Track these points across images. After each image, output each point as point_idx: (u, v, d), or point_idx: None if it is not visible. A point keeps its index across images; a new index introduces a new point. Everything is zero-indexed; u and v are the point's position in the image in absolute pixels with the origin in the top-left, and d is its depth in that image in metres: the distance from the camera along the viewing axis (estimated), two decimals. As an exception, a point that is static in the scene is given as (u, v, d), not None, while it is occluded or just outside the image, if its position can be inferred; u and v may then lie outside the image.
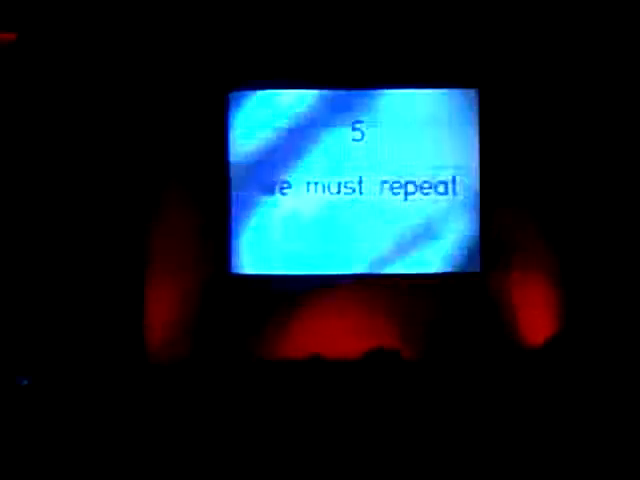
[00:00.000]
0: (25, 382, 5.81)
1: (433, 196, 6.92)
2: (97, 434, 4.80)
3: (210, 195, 6.89)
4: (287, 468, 4.45)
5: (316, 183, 6.95)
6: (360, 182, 6.93)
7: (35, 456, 4.59)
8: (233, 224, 6.91)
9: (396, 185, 6.92)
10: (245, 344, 6.69)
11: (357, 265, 6.94)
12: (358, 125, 6.94)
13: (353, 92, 6.94)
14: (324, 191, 6.93)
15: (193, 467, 4.51)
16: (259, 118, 6.95)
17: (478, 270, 6.91)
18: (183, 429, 4.85)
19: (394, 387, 5.08)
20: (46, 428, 4.86)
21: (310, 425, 4.75)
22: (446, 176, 6.91)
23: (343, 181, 6.93)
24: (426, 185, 6.91)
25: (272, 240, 6.93)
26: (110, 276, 6.72)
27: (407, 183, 6.92)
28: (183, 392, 5.32)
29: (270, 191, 6.93)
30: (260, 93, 6.94)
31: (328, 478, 4.40)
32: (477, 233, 6.90)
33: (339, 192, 6.94)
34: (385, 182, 6.93)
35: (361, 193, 6.94)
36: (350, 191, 6.93)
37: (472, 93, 6.90)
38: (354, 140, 6.96)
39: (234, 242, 6.91)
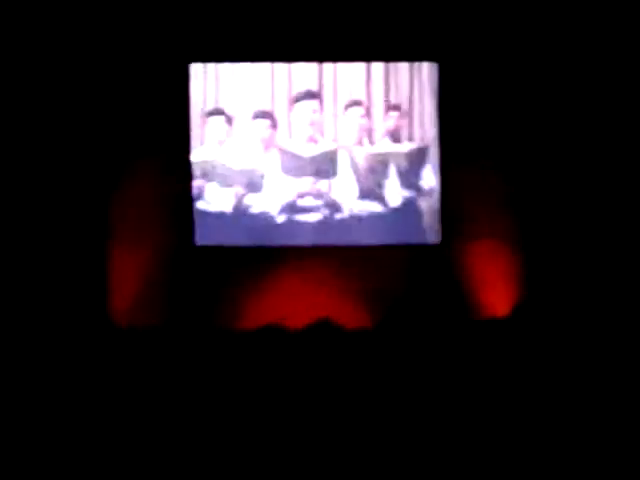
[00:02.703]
0: None
1: (394, 167, 7.01)
2: (61, 401, 4.83)
3: (173, 166, 6.90)
4: (241, 434, 4.50)
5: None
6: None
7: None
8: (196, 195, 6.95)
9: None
10: (207, 313, 6.74)
11: (318, 236, 7.00)
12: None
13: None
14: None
15: (153, 433, 4.56)
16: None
17: (438, 241, 7.02)
18: (146, 396, 4.88)
19: (338, 358, 5.13)
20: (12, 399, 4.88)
21: (261, 394, 4.79)
22: (407, 148, 7.00)
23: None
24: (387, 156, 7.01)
25: (235, 212, 6.98)
26: (72, 245, 6.70)
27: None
28: (147, 360, 5.34)
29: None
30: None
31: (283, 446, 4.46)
32: (437, 204, 7.01)
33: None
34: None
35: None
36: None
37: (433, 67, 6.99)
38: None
39: (197, 213, 6.96)
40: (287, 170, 6.98)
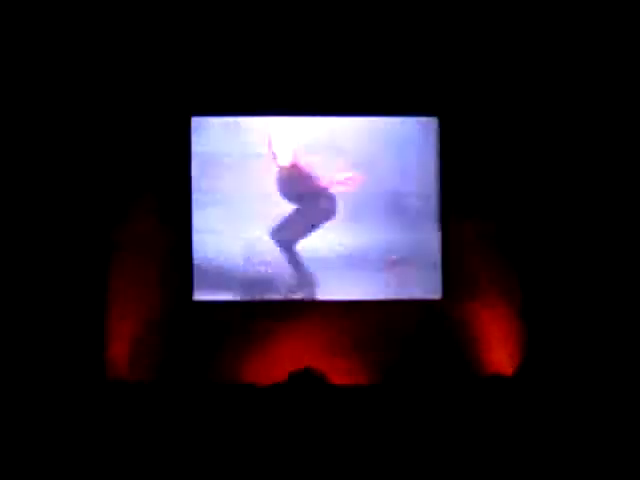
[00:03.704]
0: None
1: (395, 223, 6.96)
2: (56, 453, 4.78)
3: (174, 220, 6.86)
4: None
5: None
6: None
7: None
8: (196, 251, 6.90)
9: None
10: (205, 369, 6.66)
11: (317, 291, 6.94)
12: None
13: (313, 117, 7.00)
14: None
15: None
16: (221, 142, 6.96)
17: (439, 297, 6.93)
18: (140, 450, 4.84)
19: (318, 410, 5.07)
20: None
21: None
22: (407, 203, 6.97)
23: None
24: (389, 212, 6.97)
25: (233, 267, 6.92)
26: (71, 298, 6.63)
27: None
28: (141, 414, 5.30)
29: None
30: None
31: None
32: (438, 260, 6.93)
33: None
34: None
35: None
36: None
37: (432, 121, 6.98)
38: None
39: (196, 269, 6.89)
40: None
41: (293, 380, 5.38)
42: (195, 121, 6.91)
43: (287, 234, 6.94)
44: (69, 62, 6.66)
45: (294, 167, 6.98)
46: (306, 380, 5.38)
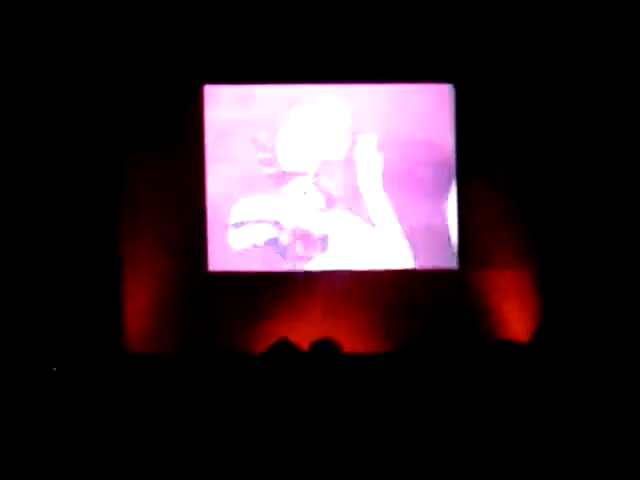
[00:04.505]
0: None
1: (411, 192, 6.90)
2: (75, 427, 4.77)
3: (188, 191, 6.84)
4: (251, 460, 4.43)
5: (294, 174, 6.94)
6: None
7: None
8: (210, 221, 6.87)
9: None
10: (222, 340, 6.64)
11: (332, 261, 6.91)
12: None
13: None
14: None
15: (167, 458, 4.48)
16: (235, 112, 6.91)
17: (456, 267, 6.90)
18: (159, 422, 4.82)
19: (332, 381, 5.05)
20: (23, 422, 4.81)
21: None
22: (424, 173, 6.92)
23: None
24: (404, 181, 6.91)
25: (249, 237, 6.89)
26: (85, 274, 6.65)
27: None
28: (160, 386, 5.28)
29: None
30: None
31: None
32: (455, 230, 6.89)
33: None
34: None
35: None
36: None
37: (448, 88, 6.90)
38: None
39: (211, 239, 6.86)
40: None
41: (315, 349, 5.36)
42: (208, 90, 6.86)
43: (301, 204, 6.92)
44: (82, 34, 6.63)
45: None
46: (326, 349, 5.36)
